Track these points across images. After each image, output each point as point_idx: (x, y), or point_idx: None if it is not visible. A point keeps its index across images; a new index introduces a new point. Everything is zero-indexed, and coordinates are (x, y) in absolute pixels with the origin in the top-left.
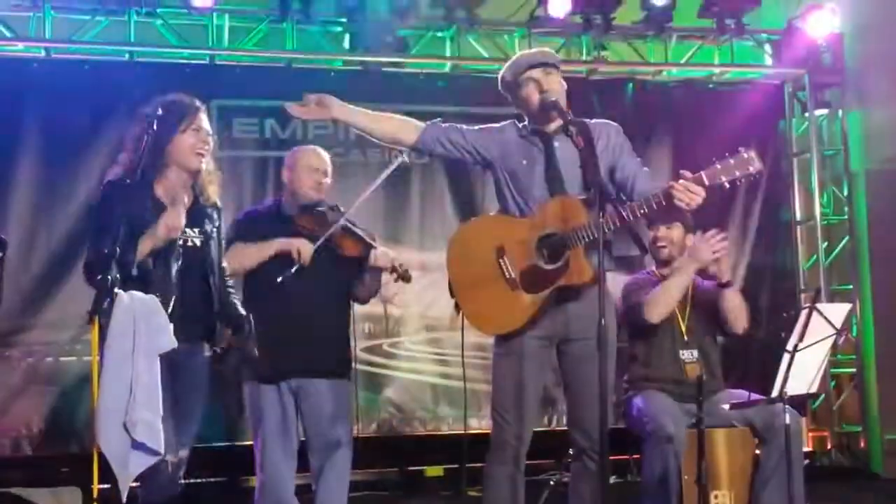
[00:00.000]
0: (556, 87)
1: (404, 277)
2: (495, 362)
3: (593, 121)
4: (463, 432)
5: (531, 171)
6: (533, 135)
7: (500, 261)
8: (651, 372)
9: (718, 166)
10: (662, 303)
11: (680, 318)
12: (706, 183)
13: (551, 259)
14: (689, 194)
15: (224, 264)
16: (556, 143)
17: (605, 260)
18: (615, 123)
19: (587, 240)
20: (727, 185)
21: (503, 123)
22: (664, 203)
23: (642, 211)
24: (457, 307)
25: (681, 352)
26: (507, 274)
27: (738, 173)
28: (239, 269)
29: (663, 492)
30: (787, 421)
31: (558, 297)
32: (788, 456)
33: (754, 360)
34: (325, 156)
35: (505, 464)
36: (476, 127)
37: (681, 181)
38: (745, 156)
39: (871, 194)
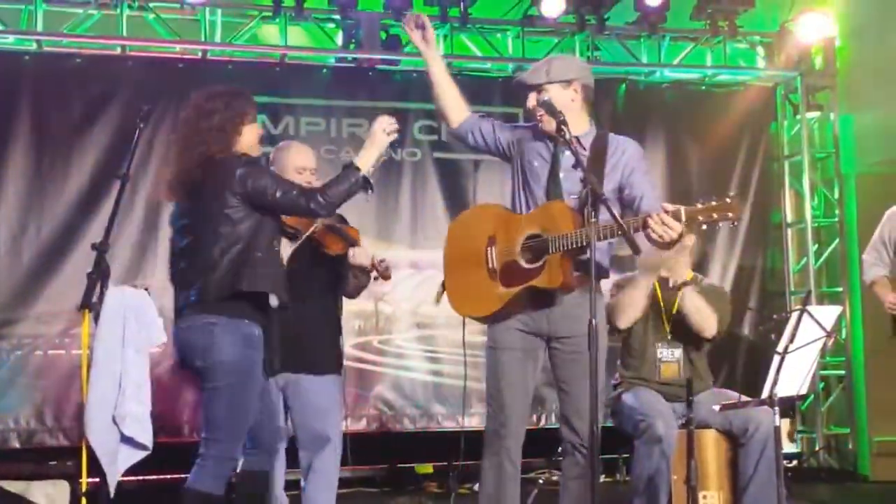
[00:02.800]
0: (561, 99)
1: (384, 276)
2: (488, 356)
3: (617, 135)
4: (457, 429)
5: (538, 171)
6: (548, 138)
7: (488, 249)
8: (629, 372)
9: (700, 206)
10: (625, 310)
11: (665, 317)
12: (683, 218)
13: (531, 259)
14: (664, 228)
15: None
16: (565, 152)
17: (576, 273)
18: (636, 143)
19: (566, 249)
20: (704, 227)
21: (532, 123)
22: (639, 230)
23: (619, 233)
24: (443, 284)
25: (660, 350)
26: (489, 263)
27: (716, 216)
28: None
29: (653, 491)
30: (777, 422)
31: (535, 297)
32: (778, 463)
33: (742, 361)
34: (310, 152)
35: (497, 455)
36: (509, 124)
37: (659, 213)
38: (729, 201)
39: (861, 197)
